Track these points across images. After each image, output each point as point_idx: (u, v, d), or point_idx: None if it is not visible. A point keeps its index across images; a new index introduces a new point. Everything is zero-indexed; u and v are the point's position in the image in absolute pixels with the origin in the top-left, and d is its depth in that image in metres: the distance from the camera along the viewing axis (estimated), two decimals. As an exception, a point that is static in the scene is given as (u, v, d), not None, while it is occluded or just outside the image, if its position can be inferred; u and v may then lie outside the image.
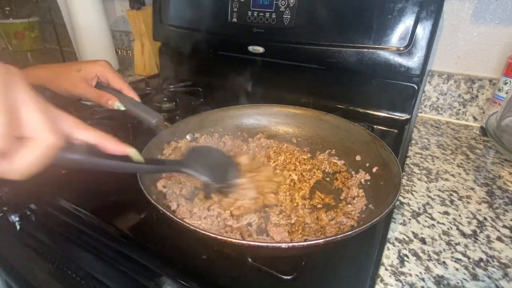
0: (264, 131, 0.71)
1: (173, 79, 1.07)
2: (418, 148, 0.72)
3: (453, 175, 0.62)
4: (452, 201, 0.55)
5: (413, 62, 0.73)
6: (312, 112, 0.69)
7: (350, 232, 0.35)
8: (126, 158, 0.35)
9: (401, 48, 0.73)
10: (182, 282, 0.40)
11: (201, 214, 0.47)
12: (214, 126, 0.69)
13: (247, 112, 0.72)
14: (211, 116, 0.69)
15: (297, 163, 0.60)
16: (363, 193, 0.52)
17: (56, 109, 0.30)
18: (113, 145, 0.34)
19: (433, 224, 0.49)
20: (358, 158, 0.59)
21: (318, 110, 0.68)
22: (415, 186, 0.59)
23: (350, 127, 0.63)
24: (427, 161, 0.67)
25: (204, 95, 0.94)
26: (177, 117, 0.80)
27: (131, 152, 0.35)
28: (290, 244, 0.34)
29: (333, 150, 0.64)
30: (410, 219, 0.50)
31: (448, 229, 0.48)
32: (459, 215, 0.51)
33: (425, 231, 0.48)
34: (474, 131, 0.82)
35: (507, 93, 0.74)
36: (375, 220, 0.37)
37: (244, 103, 0.73)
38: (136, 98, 0.61)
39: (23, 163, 0.26)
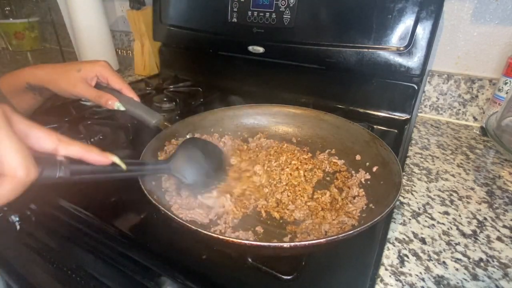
0: (264, 131, 0.71)
1: (173, 79, 1.07)
2: (418, 148, 0.72)
3: (453, 175, 0.62)
4: (452, 201, 0.55)
5: (413, 62, 0.73)
6: (312, 112, 0.69)
7: (352, 231, 0.35)
8: (111, 167, 0.37)
9: (401, 48, 0.73)
10: (182, 282, 0.40)
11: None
12: (214, 126, 0.69)
13: (247, 112, 0.72)
14: (211, 116, 0.69)
15: (299, 163, 0.60)
16: (363, 193, 0.52)
17: (39, 129, 0.32)
18: (96, 156, 0.35)
19: (433, 224, 0.49)
20: (358, 157, 0.59)
21: (318, 110, 0.69)
22: (415, 186, 0.59)
23: (349, 127, 0.63)
24: (427, 161, 0.67)
25: (204, 95, 0.94)
26: (177, 117, 0.80)
27: (115, 159, 0.36)
28: (292, 244, 0.34)
29: (333, 150, 0.64)
30: (410, 219, 0.50)
31: (448, 229, 0.48)
32: (459, 215, 0.51)
33: (425, 231, 0.48)
34: (474, 131, 0.82)
35: (507, 93, 0.74)
36: (376, 219, 0.37)
37: (244, 103, 0.73)
38: (136, 98, 0.61)
39: None
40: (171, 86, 0.99)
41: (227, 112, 0.71)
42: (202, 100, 0.92)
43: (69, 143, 0.33)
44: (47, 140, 0.32)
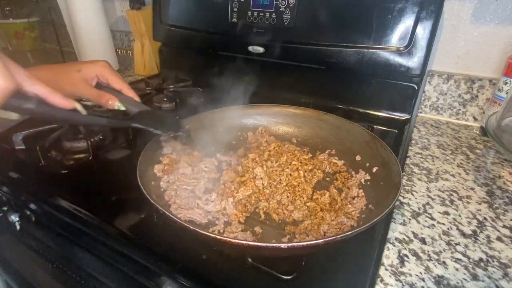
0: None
1: (173, 79, 1.07)
2: (418, 148, 0.72)
3: (453, 175, 0.62)
4: (452, 201, 0.55)
5: (413, 62, 0.73)
6: (312, 112, 0.69)
7: (350, 232, 0.35)
8: (72, 112, 0.41)
9: (401, 48, 0.73)
10: (182, 282, 0.40)
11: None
12: (214, 126, 0.69)
13: (247, 112, 0.72)
14: (211, 116, 0.69)
15: (299, 164, 0.60)
16: (363, 193, 0.52)
17: (12, 62, 0.37)
18: (60, 100, 0.40)
19: (433, 224, 0.49)
20: (358, 158, 0.59)
21: (318, 110, 0.69)
22: (415, 186, 0.59)
23: (350, 127, 0.63)
24: (427, 161, 0.67)
25: (204, 95, 0.94)
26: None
27: (77, 106, 0.41)
28: (290, 244, 0.34)
29: (333, 150, 0.64)
30: (410, 219, 0.50)
31: (448, 229, 0.48)
32: (459, 215, 0.51)
33: (425, 231, 0.48)
34: (474, 131, 0.82)
35: (507, 93, 0.74)
36: (375, 220, 0.37)
37: (244, 103, 0.73)
38: (136, 98, 0.61)
39: None
40: (171, 86, 0.99)
41: (227, 112, 0.71)
42: (202, 100, 0.92)
43: (35, 82, 0.38)
44: (16, 72, 0.37)
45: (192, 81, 1.03)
